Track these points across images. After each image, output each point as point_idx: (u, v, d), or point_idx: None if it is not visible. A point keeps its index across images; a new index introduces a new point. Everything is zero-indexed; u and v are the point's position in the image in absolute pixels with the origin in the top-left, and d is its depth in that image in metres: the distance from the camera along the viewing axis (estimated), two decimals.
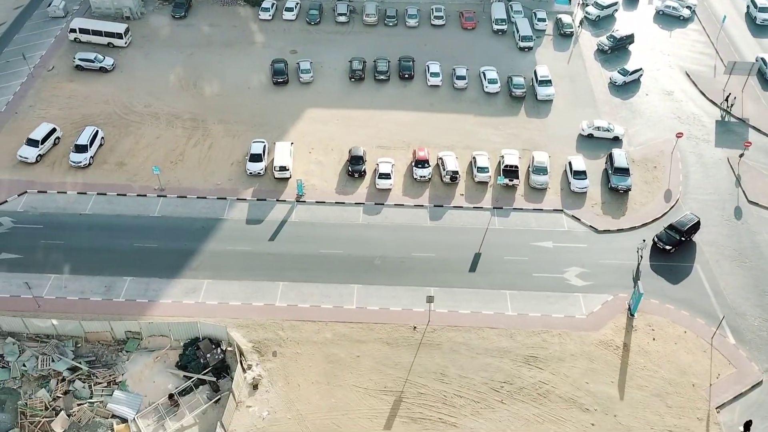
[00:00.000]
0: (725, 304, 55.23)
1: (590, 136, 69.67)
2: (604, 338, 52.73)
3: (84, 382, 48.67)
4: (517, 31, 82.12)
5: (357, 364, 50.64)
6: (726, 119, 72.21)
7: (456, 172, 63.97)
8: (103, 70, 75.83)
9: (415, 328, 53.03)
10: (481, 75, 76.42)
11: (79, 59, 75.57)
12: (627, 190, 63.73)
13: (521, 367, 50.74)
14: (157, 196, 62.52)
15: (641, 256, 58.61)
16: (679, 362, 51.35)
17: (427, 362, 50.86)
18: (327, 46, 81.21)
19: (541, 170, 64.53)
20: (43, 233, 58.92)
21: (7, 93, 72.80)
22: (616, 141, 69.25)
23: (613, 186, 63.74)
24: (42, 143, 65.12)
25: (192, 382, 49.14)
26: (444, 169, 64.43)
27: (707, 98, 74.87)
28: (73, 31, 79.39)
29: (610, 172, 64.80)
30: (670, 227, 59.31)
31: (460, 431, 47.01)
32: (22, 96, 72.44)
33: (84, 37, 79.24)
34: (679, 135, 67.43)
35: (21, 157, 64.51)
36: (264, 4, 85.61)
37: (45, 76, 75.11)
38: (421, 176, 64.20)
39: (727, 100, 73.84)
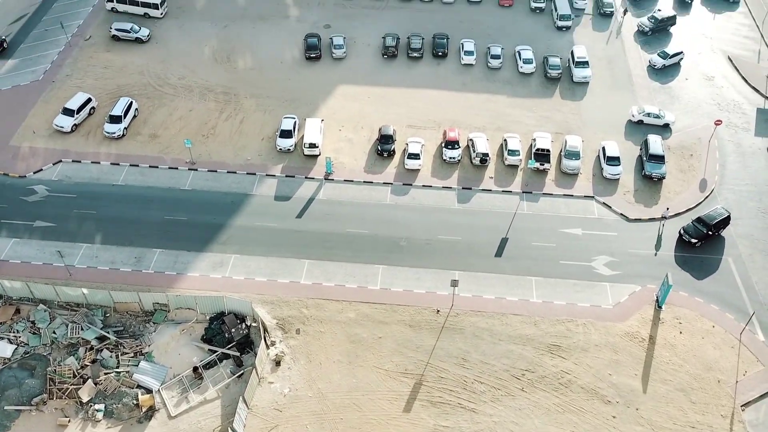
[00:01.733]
0: (756, 299, 54.06)
1: (640, 122, 68.05)
2: (629, 329, 52.12)
3: (111, 352, 49.83)
4: (556, 10, 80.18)
5: (379, 345, 50.94)
6: None
7: (486, 155, 63.23)
8: (138, 40, 76.23)
9: (438, 311, 53.04)
10: (517, 54, 74.98)
11: (116, 29, 75.95)
12: (661, 178, 62.37)
13: (543, 356, 50.51)
14: (189, 169, 63.13)
15: (663, 225, 58.20)
16: (705, 357, 50.58)
17: (449, 346, 50.92)
18: (361, 21, 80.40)
19: (574, 155, 63.42)
20: (76, 202, 60.05)
21: (44, 61, 73.70)
22: (666, 128, 67.57)
23: (647, 173, 62.38)
24: (77, 113, 66.04)
25: (216, 356, 50.04)
26: (474, 151, 63.72)
27: (749, 85, 72.48)
28: (110, 0, 79.85)
29: (644, 158, 63.38)
30: (698, 220, 57.83)
31: (479, 417, 47.16)
32: (59, 65, 73.31)
33: (121, 7, 79.66)
34: (718, 122, 65.53)
35: (57, 126, 65.53)
36: None
37: (82, 46, 75.79)
38: (450, 157, 63.61)
39: None
